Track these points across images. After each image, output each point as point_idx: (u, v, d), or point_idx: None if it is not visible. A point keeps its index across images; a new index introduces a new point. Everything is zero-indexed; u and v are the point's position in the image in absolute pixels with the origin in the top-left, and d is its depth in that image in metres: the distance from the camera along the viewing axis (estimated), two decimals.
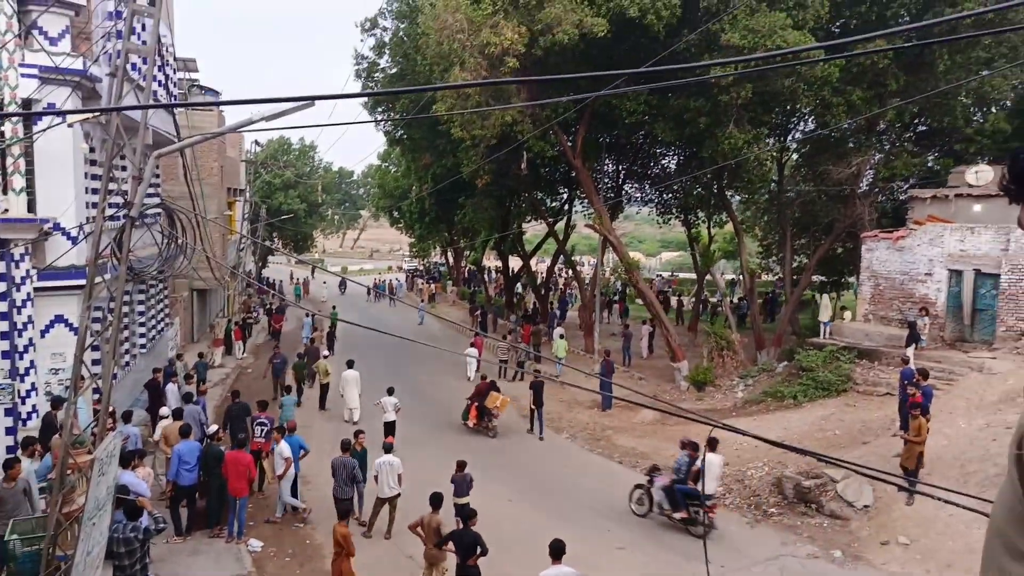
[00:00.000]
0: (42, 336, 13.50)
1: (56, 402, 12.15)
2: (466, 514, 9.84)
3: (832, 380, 18.81)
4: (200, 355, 24.37)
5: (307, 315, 28.46)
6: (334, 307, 39.08)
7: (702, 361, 23.41)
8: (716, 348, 23.69)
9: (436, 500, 10.32)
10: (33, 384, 13.28)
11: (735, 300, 37.38)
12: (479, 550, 9.45)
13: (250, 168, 40.41)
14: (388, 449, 12.52)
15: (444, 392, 23.18)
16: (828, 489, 13.46)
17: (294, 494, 13.21)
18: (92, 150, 14.61)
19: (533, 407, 18.90)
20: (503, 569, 10.16)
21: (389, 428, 16.54)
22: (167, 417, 13.85)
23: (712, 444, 12.08)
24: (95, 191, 14.16)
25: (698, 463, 12.12)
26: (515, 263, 40.08)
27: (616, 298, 39.69)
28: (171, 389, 16.30)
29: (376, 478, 12.21)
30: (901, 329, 19.76)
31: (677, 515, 12.65)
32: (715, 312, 34.74)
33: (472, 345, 25.77)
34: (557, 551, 8.52)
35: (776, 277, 36.00)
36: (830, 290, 31.34)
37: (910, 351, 17.78)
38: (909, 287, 20.54)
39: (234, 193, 36.54)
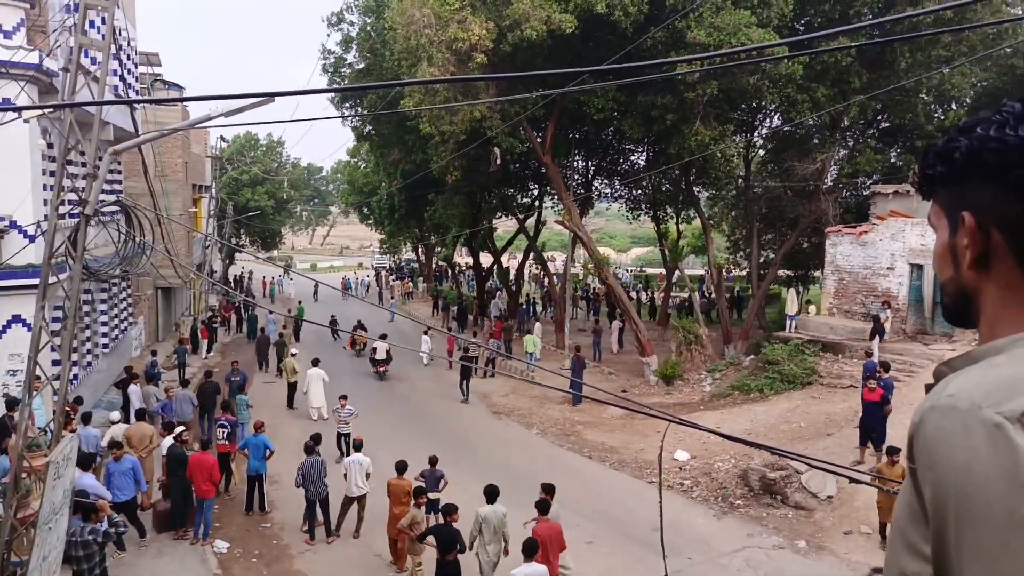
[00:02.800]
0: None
1: (11, 404, 11.85)
2: (447, 510, 9.86)
3: (797, 373, 19.08)
4: (180, 341, 24.24)
5: (270, 313, 28.28)
6: (300, 302, 38.94)
7: (671, 356, 23.59)
8: (684, 343, 23.88)
9: (401, 467, 11.26)
10: None
11: (704, 295, 37.76)
12: (458, 547, 9.47)
13: (216, 164, 39.79)
14: (358, 447, 12.44)
15: (410, 388, 23.16)
16: (793, 480, 13.66)
17: (261, 495, 13.06)
18: (50, 146, 14.27)
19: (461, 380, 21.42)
20: (473, 565, 10.14)
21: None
22: (117, 422, 13.56)
23: None
24: (53, 188, 13.82)
25: None
26: (486, 260, 40.05)
27: (585, 295, 39.83)
28: (133, 390, 16.01)
29: (345, 476, 12.14)
30: (865, 322, 20.09)
31: None
32: (684, 307, 35.04)
33: (464, 356, 25.48)
34: (529, 550, 8.57)
35: (744, 273, 36.44)
36: (796, 284, 31.74)
37: (874, 344, 18.10)
38: (872, 281, 20.90)
39: (199, 190, 35.96)
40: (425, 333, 25.87)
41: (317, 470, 12.05)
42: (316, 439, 12.63)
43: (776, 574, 10.98)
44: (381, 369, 24.28)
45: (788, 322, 22.77)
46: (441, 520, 9.87)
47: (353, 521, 12.32)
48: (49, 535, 7.16)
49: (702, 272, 49.62)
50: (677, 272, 33.58)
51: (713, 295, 31.67)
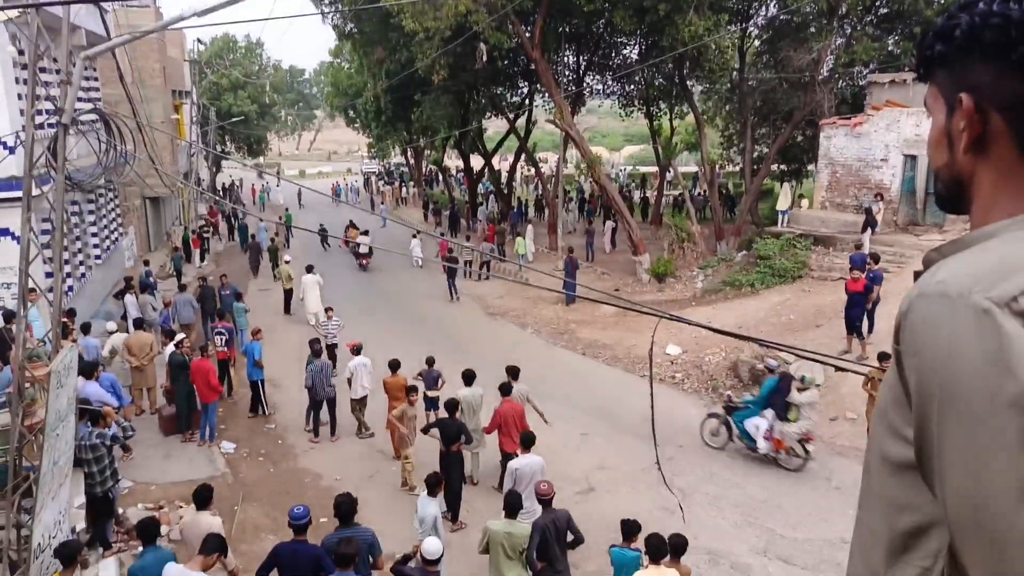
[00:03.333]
0: None
1: (8, 316, 11.92)
2: (450, 405, 10.08)
3: (788, 267, 19.24)
4: (175, 248, 24.36)
5: (260, 220, 28.22)
6: (287, 209, 38.75)
7: (663, 254, 23.70)
8: (677, 240, 23.95)
9: (395, 364, 11.61)
10: None
11: (698, 192, 37.55)
12: (463, 438, 9.84)
13: (195, 68, 38.46)
14: (358, 351, 12.54)
15: (403, 289, 23.42)
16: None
17: (259, 397, 13.37)
18: (21, 52, 13.74)
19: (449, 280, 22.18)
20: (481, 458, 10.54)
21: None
22: (115, 331, 13.75)
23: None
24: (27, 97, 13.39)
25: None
26: (477, 163, 39.47)
27: (580, 195, 39.48)
28: (130, 300, 16.10)
29: (349, 381, 12.33)
30: (857, 215, 20.09)
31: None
32: (677, 205, 34.92)
33: (447, 256, 25.68)
34: (527, 442, 8.86)
35: (738, 169, 36.13)
36: (789, 179, 31.57)
37: (866, 237, 18.16)
38: (865, 173, 20.77)
39: (180, 96, 34.95)
40: (415, 236, 25.98)
41: (324, 372, 12.40)
42: (318, 343, 12.86)
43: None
44: (364, 262, 26.86)
45: (780, 217, 22.78)
46: (445, 415, 10.17)
47: (354, 423, 12.66)
48: (57, 441, 7.36)
49: (695, 169, 49.35)
50: (670, 170, 33.28)
51: (706, 192, 31.52)
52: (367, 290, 24.08)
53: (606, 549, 7.51)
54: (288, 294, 20.56)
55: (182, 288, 19.06)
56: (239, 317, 16.48)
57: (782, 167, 31.85)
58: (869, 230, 18.45)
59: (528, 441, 8.87)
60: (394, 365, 11.75)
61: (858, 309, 13.76)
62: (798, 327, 16.03)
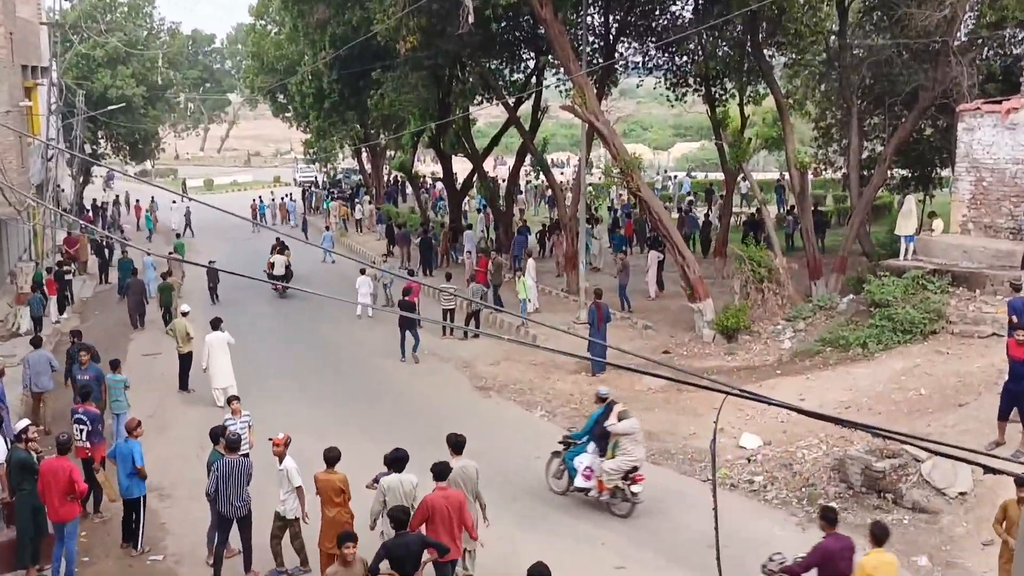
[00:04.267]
0: None
1: None
2: (394, 515, 10.04)
3: (916, 318, 19.22)
4: (33, 288, 24.71)
5: (147, 254, 28.51)
6: (178, 235, 39.01)
7: (733, 299, 23.71)
8: (753, 280, 23.98)
9: (332, 457, 11.64)
10: None
11: (782, 210, 37.75)
12: (425, 553, 9.98)
13: (56, 34, 39.07)
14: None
15: (351, 346, 23.78)
16: (910, 472, 13.90)
17: (139, 520, 13.18)
18: None
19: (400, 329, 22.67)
20: None
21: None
22: None
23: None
24: None
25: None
26: (462, 168, 39.82)
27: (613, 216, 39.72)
28: None
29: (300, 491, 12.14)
30: (1015, 242, 20.12)
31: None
32: (751, 228, 35.07)
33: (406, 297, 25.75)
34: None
35: (839, 176, 36.34)
36: (915, 189, 31.68)
37: None
38: None
39: (34, 74, 35.42)
40: (362, 273, 26.43)
41: (238, 475, 12.06)
42: (234, 435, 12.66)
43: None
44: (280, 287, 29.58)
45: (903, 245, 22.85)
46: (391, 528, 10.12)
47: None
48: None
49: (777, 176, 49.67)
50: (742, 178, 33.47)
51: (794, 210, 31.68)
52: (298, 349, 24.05)
53: None
54: (186, 361, 20.54)
55: (37, 343, 19.05)
56: (116, 394, 16.39)
57: (904, 173, 31.99)
58: None
59: (540, 574, 8.75)
60: (331, 457, 11.70)
61: None
62: (931, 407, 15.95)
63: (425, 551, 9.97)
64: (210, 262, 27.44)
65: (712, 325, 23.02)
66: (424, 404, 19.76)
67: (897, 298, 19.96)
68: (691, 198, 46.11)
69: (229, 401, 15.26)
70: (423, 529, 10.44)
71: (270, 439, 12.56)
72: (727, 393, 5.96)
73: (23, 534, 12.14)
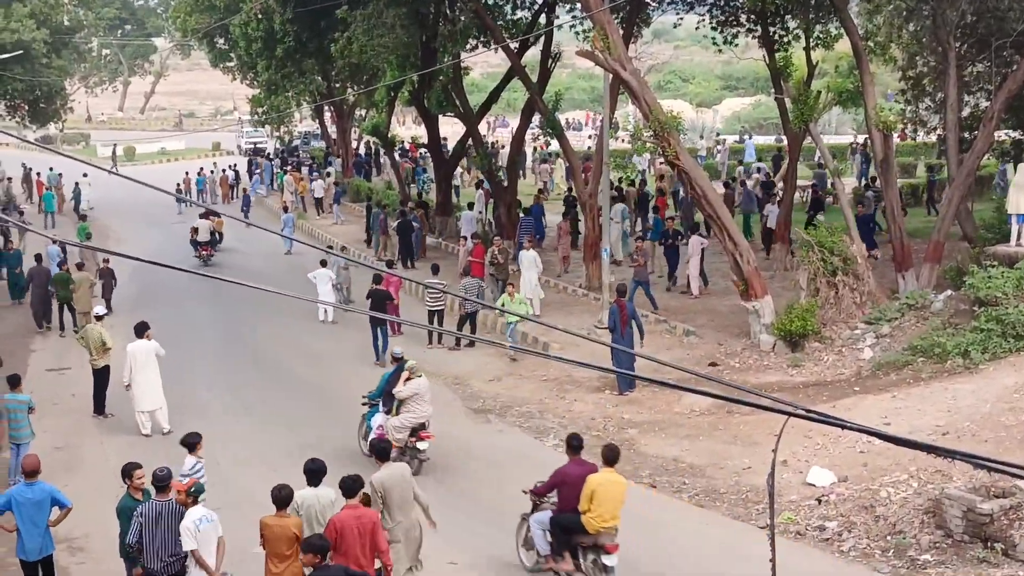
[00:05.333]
0: None
1: None
2: (316, 544, 10.62)
3: None
4: None
5: (53, 242, 28.60)
6: (84, 216, 39.07)
7: (799, 297, 23.67)
8: (824, 272, 23.94)
9: (283, 498, 11.71)
10: None
11: (862, 184, 37.64)
12: None
13: None
14: (196, 493, 12.16)
15: (310, 355, 23.89)
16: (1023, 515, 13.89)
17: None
18: None
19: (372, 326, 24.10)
20: None
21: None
22: None
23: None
24: None
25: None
26: (451, 131, 39.78)
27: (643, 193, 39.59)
28: None
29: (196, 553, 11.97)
30: None
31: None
32: (814, 207, 34.99)
33: (375, 288, 25.81)
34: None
35: (934, 139, 36.23)
36: None
37: None
38: None
39: None
40: (323, 265, 26.79)
41: (166, 524, 12.04)
42: (162, 472, 12.62)
43: None
44: (204, 252, 35.33)
45: (1015, 227, 22.80)
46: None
47: None
48: None
49: (853, 140, 49.45)
50: (810, 141, 33.39)
51: (877, 182, 31.63)
52: (244, 360, 24.09)
53: None
54: (102, 377, 20.54)
55: None
56: (16, 419, 16.38)
57: (1016, 135, 31.90)
58: None
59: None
60: (281, 498, 11.74)
61: None
62: None
63: None
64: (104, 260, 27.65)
65: (772, 330, 22.99)
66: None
67: (1008, 294, 19.90)
68: (759, 170, 44.85)
69: (188, 444, 14.29)
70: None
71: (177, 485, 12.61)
72: (790, 415, 5.95)
73: None
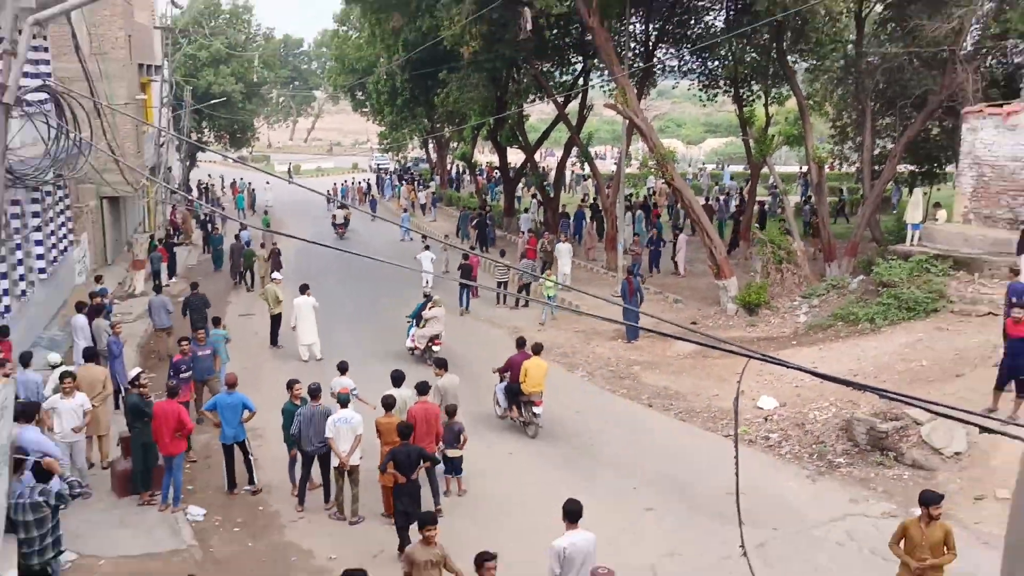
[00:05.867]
0: None
1: None
2: (404, 430, 11.23)
3: (920, 298, 18.93)
4: (154, 247, 25.33)
5: (241, 228, 28.95)
6: (266, 211, 39.63)
7: (755, 278, 23.53)
8: (773, 261, 23.75)
9: (389, 402, 12.16)
10: None
11: (803, 200, 37.18)
12: (422, 462, 11.22)
13: (167, 38, 39.61)
14: (344, 402, 12.32)
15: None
16: (910, 433, 13.74)
17: (248, 466, 13.21)
18: None
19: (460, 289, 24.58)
20: (501, 538, 10.46)
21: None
22: (59, 364, 13.80)
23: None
24: None
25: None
26: (516, 158, 39.74)
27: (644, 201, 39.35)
28: (79, 324, 16.48)
29: (332, 441, 12.11)
30: (1011, 231, 19.73)
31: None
32: (769, 214, 34.61)
33: (463, 263, 26.01)
34: (573, 514, 8.69)
35: (853, 169, 35.66)
36: (922, 183, 31.16)
37: (1023, 260, 17.79)
38: (1022, 177, 20.43)
39: (148, 71, 35.96)
40: (426, 248, 26.61)
41: (318, 420, 12.22)
42: (314, 385, 12.78)
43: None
44: (340, 231, 37.68)
45: (910, 232, 22.47)
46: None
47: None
48: None
49: (798, 169, 48.87)
50: (766, 170, 33.07)
51: (812, 200, 31.24)
52: (368, 313, 24.27)
53: None
54: (275, 321, 20.82)
55: (159, 289, 20.74)
56: (219, 347, 16.66)
57: (912, 168, 31.43)
58: None
59: (574, 513, 8.73)
60: (388, 403, 12.06)
61: (1021, 359, 13.35)
62: (931, 376, 15.70)
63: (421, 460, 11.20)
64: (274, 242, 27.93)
65: (735, 300, 22.89)
66: (476, 363, 19.58)
67: (903, 279, 19.68)
68: (731, 188, 44.68)
69: (343, 370, 14.25)
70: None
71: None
72: (749, 357, 5.93)
73: (136, 465, 12.45)
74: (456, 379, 14.10)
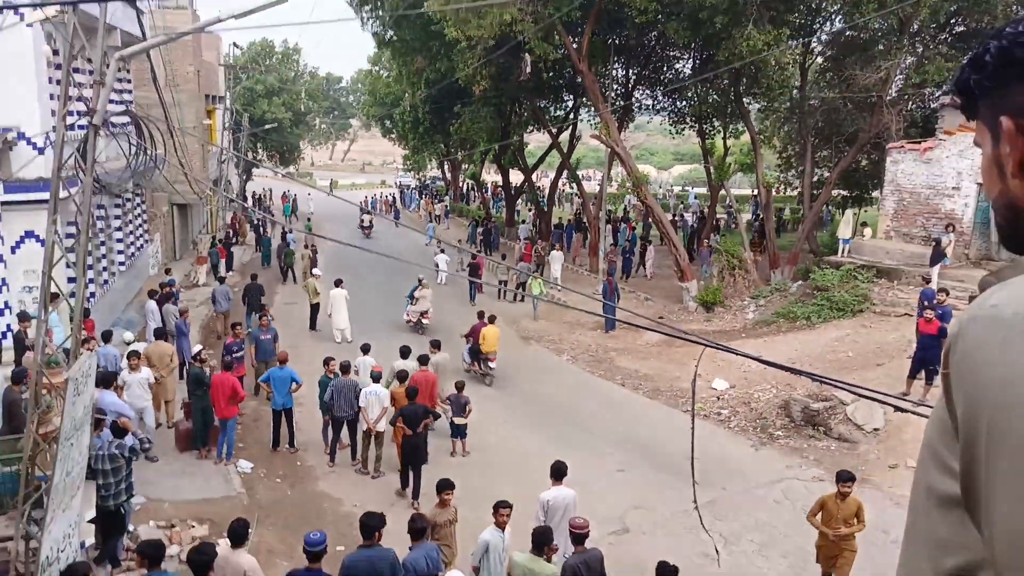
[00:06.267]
0: (12, 252, 13.55)
1: (23, 316, 12.38)
2: (410, 393, 11.49)
3: (848, 300, 18.91)
4: (213, 244, 25.28)
5: (286, 231, 28.90)
6: (308, 218, 39.55)
7: (711, 281, 23.50)
8: (727, 267, 23.74)
9: (402, 376, 12.36)
10: (6, 303, 13.41)
11: (753, 217, 37.15)
12: (431, 416, 11.62)
13: (230, 73, 39.55)
14: (376, 378, 12.50)
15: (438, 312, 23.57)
16: (837, 412, 13.75)
17: (290, 431, 13.25)
18: (55, 52, 14.27)
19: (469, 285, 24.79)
20: (500, 491, 10.47)
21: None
22: (131, 342, 13.89)
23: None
24: (59, 97, 13.91)
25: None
26: (516, 178, 39.66)
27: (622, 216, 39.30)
28: (151, 308, 16.48)
29: (359, 411, 12.23)
30: (924, 247, 19.72)
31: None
32: (725, 228, 34.57)
33: (472, 262, 25.99)
34: (558, 472, 8.78)
35: (796, 193, 35.61)
36: (852, 205, 31.14)
37: (934, 271, 17.76)
38: (935, 202, 20.38)
39: (213, 100, 35.89)
40: (442, 251, 26.66)
41: (348, 391, 12.37)
42: (346, 363, 12.89)
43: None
44: (366, 231, 37.40)
45: (841, 246, 22.44)
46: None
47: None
48: (71, 451, 7.52)
49: (750, 192, 48.80)
50: (723, 192, 33.03)
51: (761, 217, 31.21)
52: (392, 304, 24.25)
53: None
54: (314, 309, 20.80)
55: (221, 280, 20.88)
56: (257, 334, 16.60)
57: (844, 193, 31.43)
58: (939, 263, 18.03)
59: (559, 472, 8.79)
60: (402, 376, 12.35)
61: (930, 352, 13.36)
62: (856, 365, 15.71)
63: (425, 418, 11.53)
64: (312, 244, 27.80)
65: (695, 299, 22.87)
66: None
67: (834, 284, 19.66)
68: (694, 206, 44.75)
69: (366, 351, 14.78)
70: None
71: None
72: (705, 346, 5.94)
73: (196, 426, 12.46)
74: (447, 356, 14.84)
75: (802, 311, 19.49)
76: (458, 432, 13.10)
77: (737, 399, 15.35)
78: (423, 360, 13.16)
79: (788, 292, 21.96)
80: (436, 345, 14.47)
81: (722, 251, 24.16)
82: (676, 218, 37.48)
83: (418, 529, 7.33)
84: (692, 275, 23.47)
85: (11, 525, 7.61)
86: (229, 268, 28.34)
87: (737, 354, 5.97)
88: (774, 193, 31.97)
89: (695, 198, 51.17)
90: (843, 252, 22.13)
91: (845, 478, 8.64)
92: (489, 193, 50.48)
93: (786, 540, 10.33)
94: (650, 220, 30.48)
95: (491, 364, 16.74)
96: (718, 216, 36.25)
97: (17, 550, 7.50)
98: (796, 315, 19.49)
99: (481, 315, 17.16)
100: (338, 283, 19.70)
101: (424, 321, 20.25)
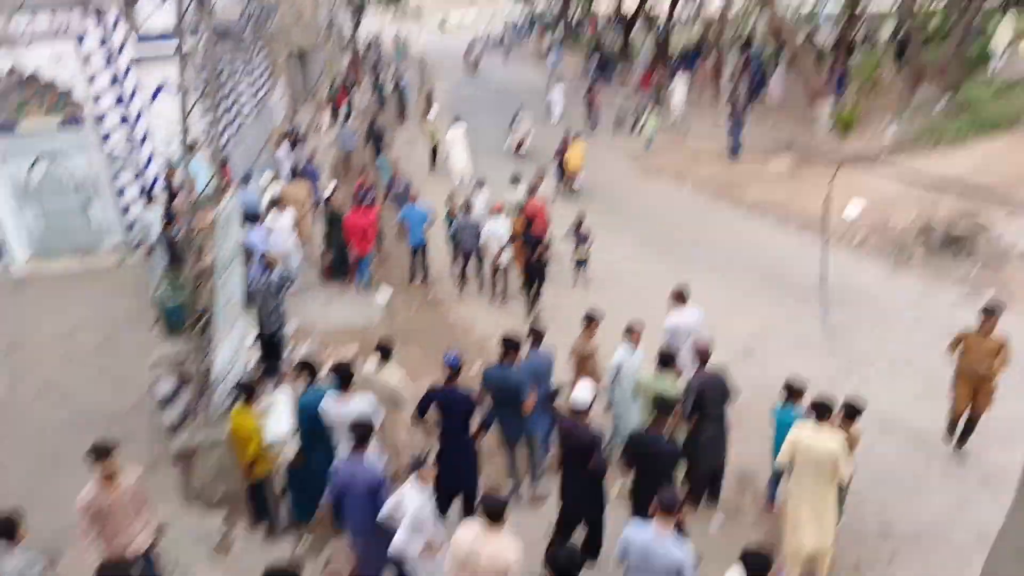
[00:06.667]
0: (151, 103, 14.19)
1: (167, 164, 13.24)
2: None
3: (1001, 115, 17.15)
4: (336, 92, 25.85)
5: (399, 75, 28.83)
6: (420, 59, 38.77)
7: (848, 102, 21.78)
8: (866, 85, 21.85)
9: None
10: (152, 151, 14.22)
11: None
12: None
13: None
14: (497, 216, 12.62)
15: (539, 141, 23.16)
16: (982, 234, 12.91)
17: (424, 266, 13.66)
18: None
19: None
20: (625, 316, 10.64)
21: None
22: (268, 185, 14.55)
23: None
24: None
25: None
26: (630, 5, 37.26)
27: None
28: (283, 151, 17.11)
29: (484, 247, 12.66)
30: None
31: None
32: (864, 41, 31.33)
33: (587, 96, 25.11)
34: (680, 296, 8.83)
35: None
36: (1013, 5, 27.53)
37: None
38: None
39: None
40: (558, 81, 26.08)
41: (471, 227, 12.74)
42: (465, 203, 13.19)
43: (955, 328, 10.76)
44: (473, 70, 36.73)
45: (994, 58, 20.04)
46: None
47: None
48: (227, 283, 8.20)
49: (890, 6, 43.75)
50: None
51: (905, 28, 28.16)
52: (502, 136, 23.95)
53: (765, 412, 7.47)
54: (434, 150, 20.96)
55: (345, 122, 22.61)
56: (384, 172, 16.97)
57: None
58: None
59: (681, 295, 8.85)
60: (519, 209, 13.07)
61: None
62: (1010, 184, 14.47)
63: None
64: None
65: (830, 120, 21.34)
66: (603, 180, 19.20)
67: (986, 100, 17.83)
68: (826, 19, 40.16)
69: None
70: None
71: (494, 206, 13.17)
72: (843, 162, 5.57)
73: (336, 260, 13.12)
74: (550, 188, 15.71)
75: (948, 128, 17.90)
76: (580, 264, 13.28)
77: (872, 223, 14.59)
78: (533, 188, 13.76)
79: (934, 110, 20.13)
80: (541, 176, 14.85)
81: (860, 68, 22.15)
82: (807, 38, 34.35)
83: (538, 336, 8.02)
84: (826, 95, 21.80)
85: (187, 347, 8.49)
86: (349, 112, 28.76)
87: (876, 174, 5.57)
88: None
89: (825, 20, 46.12)
90: (998, 63, 19.81)
91: (989, 310, 8.00)
92: (600, 25, 47.77)
93: (920, 360, 10.06)
94: (780, 39, 28.19)
95: (575, 184, 17.92)
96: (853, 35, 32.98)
97: (196, 367, 8.41)
98: (941, 132, 17.93)
99: (566, 135, 18.21)
100: (455, 122, 19.55)
101: (523, 148, 21.47)
